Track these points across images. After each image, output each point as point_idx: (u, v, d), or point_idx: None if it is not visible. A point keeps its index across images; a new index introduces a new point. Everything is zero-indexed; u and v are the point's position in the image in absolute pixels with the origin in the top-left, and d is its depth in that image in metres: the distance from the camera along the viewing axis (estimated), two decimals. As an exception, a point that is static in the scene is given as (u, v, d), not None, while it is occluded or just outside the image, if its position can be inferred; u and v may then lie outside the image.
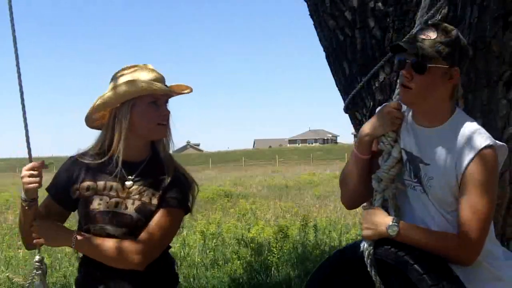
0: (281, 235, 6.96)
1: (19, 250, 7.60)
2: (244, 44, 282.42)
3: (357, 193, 2.12)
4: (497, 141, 1.88)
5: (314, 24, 3.27)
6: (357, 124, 3.03)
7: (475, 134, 1.86)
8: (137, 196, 2.03)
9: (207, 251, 7.15)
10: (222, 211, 11.63)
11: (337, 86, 3.22)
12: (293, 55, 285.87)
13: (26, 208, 2.01)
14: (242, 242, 7.27)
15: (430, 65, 1.83)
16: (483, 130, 1.89)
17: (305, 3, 3.30)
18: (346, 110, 3.11)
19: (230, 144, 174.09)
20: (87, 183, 2.06)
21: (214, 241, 7.63)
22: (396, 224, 1.87)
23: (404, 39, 1.90)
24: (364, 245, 1.97)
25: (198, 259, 6.71)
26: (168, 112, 2.09)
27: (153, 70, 2.09)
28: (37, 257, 2.07)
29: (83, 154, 2.12)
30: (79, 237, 2.00)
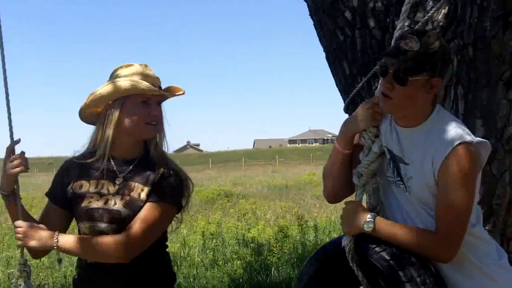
0: (281, 235, 6.96)
1: (19, 250, 7.61)
2: (244, 44, 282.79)
3: (339, 187, 2.12)
4: (476, 138, 1.86)
5: (314, 24, 3.27)
6: (357, 124, 3.03)
7: (452, 131, 1.85)
8: (126, 192, 2.04)
9: (207, 251, 7.16)
10: (222, 211, 11.63)
11: (337, 86, 3.22)
12: (293, 55, 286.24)
13: (6, 204, 2.03)
14: (242, 242, 7.27)
15: (411, 78, 1.83)
16: (461, 127, 1.88)
17: (305, 3, 3.30)
18: (346, 110, 3.12)
19: (230, 144, 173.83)
20: (80, 182, 2.07)
21: (214, 241, 7.63)
22: (371, 220, 1.89)
23: (388, 50, 1.90)
24: (345, 240, 1.99)
25: (198, 259, 6.71)
26: (159, 112, 2.08)
27: (147, 70, 2.08)
28: (21, 260, 2.07)
29: (79, 155, 2.13)
30: (60, 237, 1.99)
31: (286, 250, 6.76)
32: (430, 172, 1.86)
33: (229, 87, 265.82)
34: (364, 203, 2.08)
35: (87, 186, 2.06)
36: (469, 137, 1.84)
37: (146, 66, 2.11)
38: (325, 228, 8.53)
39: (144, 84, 2.02)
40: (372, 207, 2.02)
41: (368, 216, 1.90)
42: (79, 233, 2.09)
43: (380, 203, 2.05)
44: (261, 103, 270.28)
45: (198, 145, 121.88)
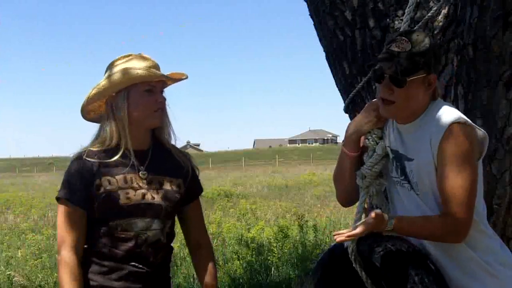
0: (281, 235, 6.96)
1: (19, 250, 7.61)
2: (245, 44, 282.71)
3: (351, 189, 2.13)
4: (471, 122, 1.88)
5: (314, 24, 3.27)
6: (357, 124, 3.03)
7: (445, 114, 1.87)
8: (158, 185, 2.03)
9: (207, 251, 7.14)
10: (222, 211, 11.63)
11: (337, 86, 3.22)
12: (293, 55, 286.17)
13: None
14: (242, 242, 7.27)
15: (409, 78, 1.85)
16: (454, 111, 1.90)
17: (305, 3, 3.30)
18: (346, 110, 3.11)
19: (230, 144, 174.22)
20: (107, 178, 1.99)
21: (215, 241, 7.63)
22: (391, 219, 1.87)
23: (381, 56, 1.91)
24: (347, 242, 2.00)
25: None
26: (164, 99, 2.07)
27: (147, 58, 2.07)
28: None
29: (90, 153, 2.02)
30: None
31: (286, 250, 6.76)
32: (430, 158, 1.87)
33: (229, 87, 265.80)
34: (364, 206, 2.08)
35: (115, 182, 1.99)
36: (462, 118, 1.85)
37: (144, 55, 2.09)
38: (325, 228, 8.52)
39: (151, 70, 2.01)
40: (375, 208, 2.03)
41: (388, 220, 1.86)
42: (104, 232, 1.98)
43: (384, 205, 2.06)
44: (261, 103, 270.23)
45: (198, 145, 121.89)
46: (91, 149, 2.04)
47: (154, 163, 2.06)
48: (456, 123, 1.83)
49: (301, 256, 6.56)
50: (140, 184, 2.01)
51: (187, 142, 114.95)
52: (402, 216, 1.91)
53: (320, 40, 3.25)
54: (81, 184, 1.99)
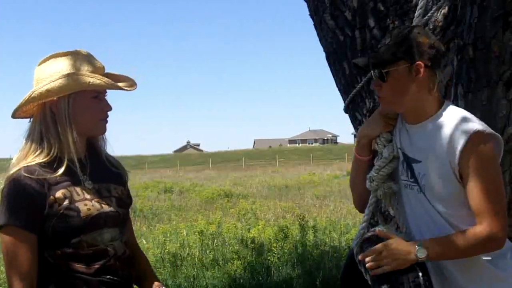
0: (282, 235, 6.96)
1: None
2: (244, 43, 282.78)
3: (365, 194, 2.13)
4: (490, 129, 1.87)
5: (314, 24, 3.27)
6: (357, 124, 3.04)
7: (464, 121, 1.86)
8: (107, 193, 1.94)
9: (207, 251, 7.15)
10: (222, 211, 11.64)
11: (337, 86, 3.22)
12: (293, 55, 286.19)
13: None
14: (242, 242, 7.28)
15: (384, 70, 1.88)
16: (473, 118, 1.89)
17: (305, 3, 3.30)
18: (346, 110, 3.12)
19: (230, 144, 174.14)
20: (62, 192, 1.83)
21: (215, 241, 7.64)
22: (421, 246, 1.83)
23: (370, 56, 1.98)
24: (353, 242, 2.03)
25: (198, 259, 6.71)
26: (111, 107, 1.94)
27: (94, 59, 1.93)
28: None
29: (30, 170, 1.82)
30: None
31: (286, 250, 6.76)
32: (446, 163, 1.85)
33: (229, 87, 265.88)
34: (372, 209, 2.10)
35: (70, 196, 1.83)
36: (484, 126, 1.85)
37: (91, 55, 1.95)
38: (325, 228, 8.52)
39: (103, 78, 1.86)
40: (384, 212, 2.05)
41: (417, 245, 1.84)
42: (66, 255, 1.82)
43: (394, 208, 2.07)
44: (261, 103, 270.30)
45: (198, 145, 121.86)
46: (29, 164, 1.83)
47: (96, 171, 1.94)
48: (477, 132, 1.81)
49: (301, 256, 6.56)
50: (91, 195, 1.88)
51: (187, 142, 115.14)
52: (431, 240, 1.86)
53: (320, 40, 3.25)
54: (30, 206, 1.78)
